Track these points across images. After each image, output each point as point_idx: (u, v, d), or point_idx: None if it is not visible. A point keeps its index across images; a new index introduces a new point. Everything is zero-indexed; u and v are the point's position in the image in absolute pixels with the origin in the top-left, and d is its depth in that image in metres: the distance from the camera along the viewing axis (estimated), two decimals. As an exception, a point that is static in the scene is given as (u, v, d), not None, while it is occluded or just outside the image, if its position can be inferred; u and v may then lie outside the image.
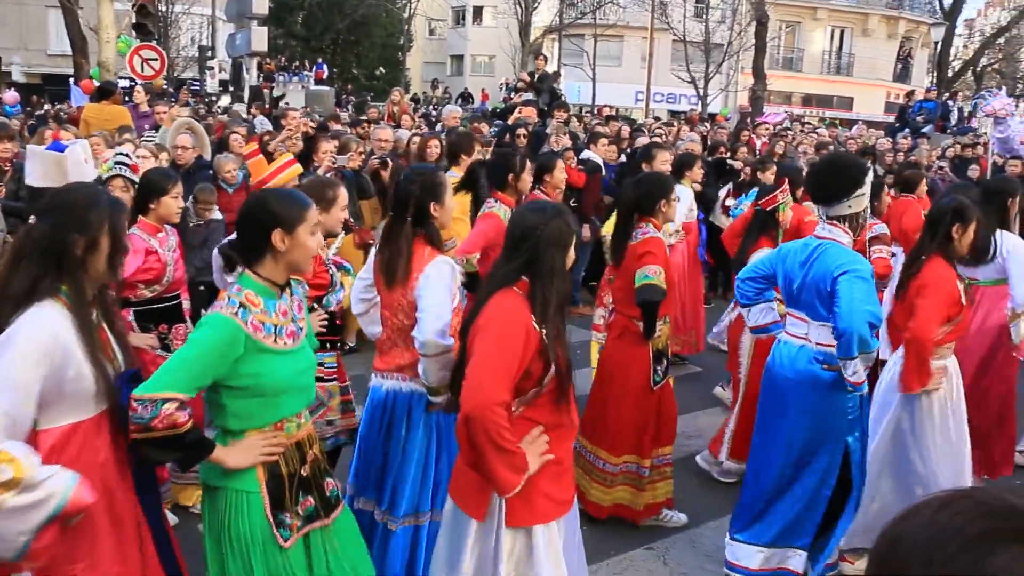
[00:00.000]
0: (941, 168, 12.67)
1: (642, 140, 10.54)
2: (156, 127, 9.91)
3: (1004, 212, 5.46)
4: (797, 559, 4.05)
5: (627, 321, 4.68)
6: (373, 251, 3.85)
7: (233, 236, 2.97)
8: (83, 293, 2.61)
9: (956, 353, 4.53)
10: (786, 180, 5.87)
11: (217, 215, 6.36)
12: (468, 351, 2.81)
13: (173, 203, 4.58)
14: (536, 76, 15.68)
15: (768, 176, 7.68)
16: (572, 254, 2.96)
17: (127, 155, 5.37)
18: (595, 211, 9.56)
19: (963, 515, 0.83)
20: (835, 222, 3.90)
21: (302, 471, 2.87)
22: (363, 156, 8.14)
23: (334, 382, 4.39)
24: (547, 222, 2.88)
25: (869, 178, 3.92)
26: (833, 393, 3.86)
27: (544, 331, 2.80)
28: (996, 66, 42.35)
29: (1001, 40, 40.17)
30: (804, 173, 6.07)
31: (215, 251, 3.17)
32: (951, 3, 34.13)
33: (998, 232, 5.16)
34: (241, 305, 2.67)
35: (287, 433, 2.82)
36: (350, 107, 21.68)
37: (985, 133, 19.13)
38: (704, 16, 33.04)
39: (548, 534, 2.84)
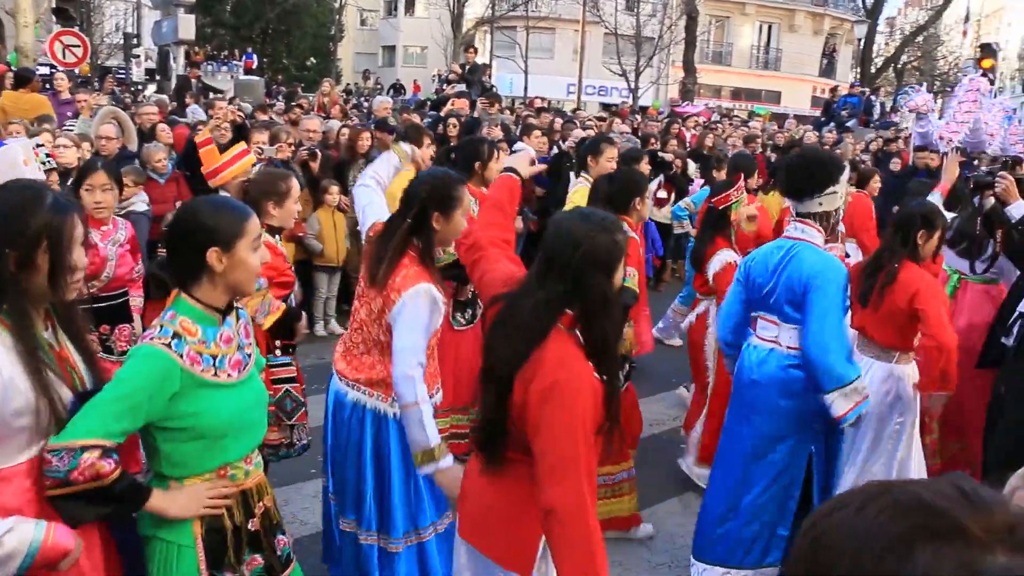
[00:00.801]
0: (864, 162, 12.99)
1: (577, 132, 10.58)
2: (78, 115, 9.64)
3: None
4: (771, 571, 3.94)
5: None
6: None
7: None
8: (25, 314, 2.19)
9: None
10: (741, 176, 5.71)
11: (141, 207, 6.20)
12: (519, 412, 2.33)
13: (86, 196, 4.19)
14: (467, 68, 15.68)
15: (723, 174, 7.33)
16: (619, 278, 2.40)
17: (43, 145, 5.20)
18: (527, 203, 9.59)
19: (884, 514, 0.83)
20: (807, 220, 3.76)
21: (249, 525, 2.48)
22: (292, 147, 8.03)
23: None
24: (593, 236, 2.32)
25: (844, 177, 3.79)
26: (801, 399, 3.75)
27: (606, 379, 2.36)
28: (916, 63, 43.59)
29: (920, 39, 41.37)
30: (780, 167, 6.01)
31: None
32: (873, 1, 34.99)
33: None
34: (175, 335, 2.28)
35: (233, 480, 2.44)
36: (280, 97, 21.36)
37: (906, 128, 19.70)
38: (635, 10, 33.25)
39: None
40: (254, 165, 6.09)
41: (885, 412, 4.40)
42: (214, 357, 2.37)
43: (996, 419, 4.56)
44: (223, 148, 5.47)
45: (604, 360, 2.37)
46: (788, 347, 3.78)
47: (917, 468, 4.54)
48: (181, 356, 2.28)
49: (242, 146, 5.36)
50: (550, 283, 2.34)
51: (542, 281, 2.37)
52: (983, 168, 8.52)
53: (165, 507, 2.32)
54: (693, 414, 5.72)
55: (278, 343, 3.89)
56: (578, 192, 5.40)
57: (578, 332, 2.41)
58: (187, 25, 16.87)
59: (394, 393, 3.10)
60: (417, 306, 3.13)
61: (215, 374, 2.35)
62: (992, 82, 16.03)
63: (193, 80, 16.52)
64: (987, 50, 20.66)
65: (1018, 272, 5.02)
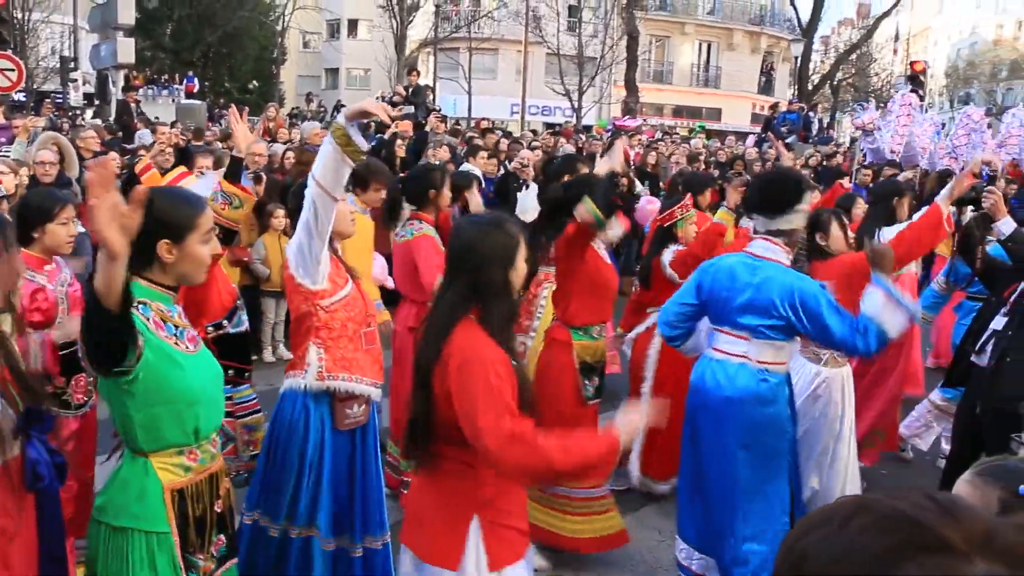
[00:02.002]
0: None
1: (524, 152, 10.64)
2: (13, 140, 9.43)
3: (891, 211, 5.64)
4: None
5: (556, 328, 4.50)
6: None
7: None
8: None
9: None
10: (688, 195, 5.71)
11: (80, 227, 6.07)
12: (441, 404, 2.55)
13: (62, 231, 3.80)
14: (410, 90, 15.74)
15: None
16: (522, 267, 2.69)
17: None
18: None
19: (867, 531, 0.84)
20: (773, 239, 3.84)
21: (216, 507, 2.59)
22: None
23: (252, 415, 4.12)
24: (486, 235, 2.64)
25: (809, 198, 3.90)
26: (774, 411, 3.81)
27: (515, 362, 2.62)
28: (850, 80, 44.62)
29: (853, 56, 42.43)
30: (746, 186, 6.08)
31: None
32: (808, 21, 35.83)
33: (883, 230, 5.37)
34: (140, 302, 2.34)
35: (201, 465, 2.53)
36: (223, 121, 21.15)
37: (844, 143, 20.20)
38: (577, 30, 33.62)
39: (521, 569, 2.68)
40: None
41: (813, 412, 4.54)
42: (176, 327, 2.45)
43: (968, 436, 4.63)
44: (165, 172, 5.41)
45: (505, 344, 2.63)
46: (759, 361, 3.80)
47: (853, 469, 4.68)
48: (148, 319, 2.34)
49: (181, 169, 5.27)
50: (455, 284, 2.64)
51: (450, 281, 2.67)
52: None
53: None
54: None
55: (231, 372, 3.84)
56: None
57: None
58: (126, 49, 16.68)
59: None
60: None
61: (176, 343, 2.42)
62: (922, 98, 16.52)
63: (132, 105, 16.26)
64: (915, 66, 21.21)
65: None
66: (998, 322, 4.73)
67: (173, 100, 26.33)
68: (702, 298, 3.98)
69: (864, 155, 13.09)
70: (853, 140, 19.92)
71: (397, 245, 5.04)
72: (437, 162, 9.59)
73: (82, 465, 4.08)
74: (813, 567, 0.86)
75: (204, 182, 4.94)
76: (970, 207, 5.57)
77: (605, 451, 2.46)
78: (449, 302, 2.64)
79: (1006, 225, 4.65)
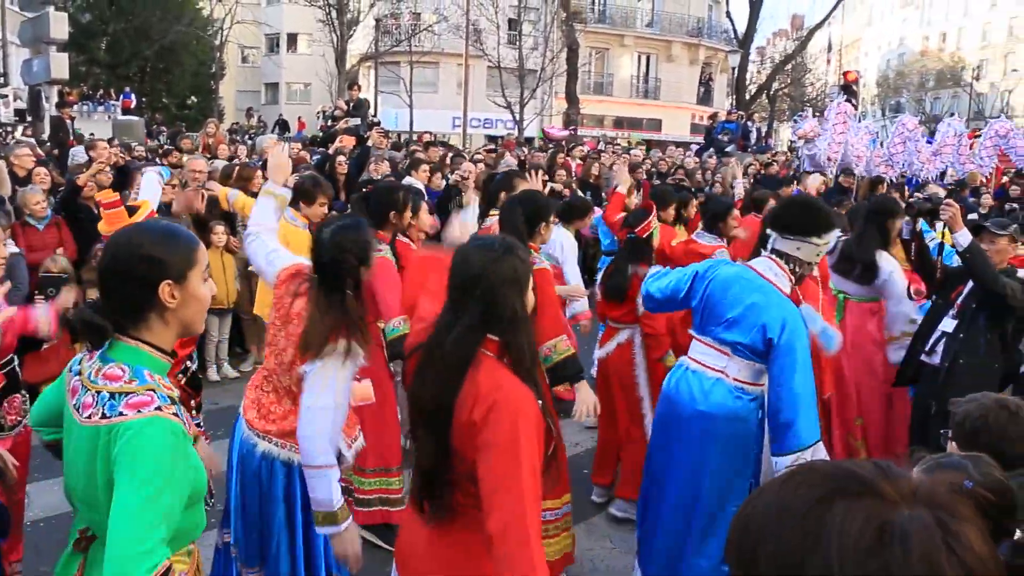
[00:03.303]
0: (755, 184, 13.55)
1: (466, 166, 10.64)
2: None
3: (886, 233, 5.47)
4: None
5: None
6: None
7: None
8: None
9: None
10: (653, 205, 5.72)
11: (12, 247, 5.93)
12: (460, 448, 2.29)
13: None
14: (351, 104, 15.70)
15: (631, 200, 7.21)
16: (531, 296, 2.47)
17: None
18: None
19: (805, 484, 0.93)
20: (780, 261, 3.76)
21: None
22: (177, 188, 7.84)
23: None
24: (497, 259, 2.37)
25: (830, 237, 3.77)
26: (745, 428, 3.76)
27: (541, 402, 2.34)
28: (786, 90, 45.52)
29: (788, 67, 43.32)
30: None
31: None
32: (744, 32, 36.51)
33: (879, 253, 5.34)
34: (172, 400, 2.02)
35: (190, 554, 2.25)
36: (160, 138, 20.82)
37: (783, 152, 20.62)
38: (517, 43, 33.77)
39: None
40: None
41: None
42: (181, 408, 2.10)
43: (925, 436, 4.70)
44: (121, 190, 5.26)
45: (530, 379, 2.36)
46: (735, 379, 3.74)
47: None
48: (185, 423, 2.03)
49: (149, 207, 5.17)
50: (466, 312, 2.36)
51: (455, 310, 2.38)
52: (919, 194, 8.88)
53: None
54: (611, 460, 5.57)
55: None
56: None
57: (507, 360, 2.41)
58: (60, 64, 16.30)
59: (300, 451, 3.02)
60: (333, 365, 3.00)
61: (188, 428, 2.07)
62: (856, 107, 16.93)
63: (68, 121, 15.92)
64: (848, 76, 21.74)
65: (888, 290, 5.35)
66: (947, 324, 4.85)
67: (109, 116, 25.86)
68: (691, 299, 3.92)
69: (803, 162, 13.40)
70: (791, 148, 20.35)
71: None
72: (378, 176, 9.55)
73: (14, 487, 3.99)
74: (758, 525, 0.94)
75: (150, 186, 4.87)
76: (922, 219, 5.57)
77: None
78: (458, 336, 2.35)
79: (963, 237, 4.68)
